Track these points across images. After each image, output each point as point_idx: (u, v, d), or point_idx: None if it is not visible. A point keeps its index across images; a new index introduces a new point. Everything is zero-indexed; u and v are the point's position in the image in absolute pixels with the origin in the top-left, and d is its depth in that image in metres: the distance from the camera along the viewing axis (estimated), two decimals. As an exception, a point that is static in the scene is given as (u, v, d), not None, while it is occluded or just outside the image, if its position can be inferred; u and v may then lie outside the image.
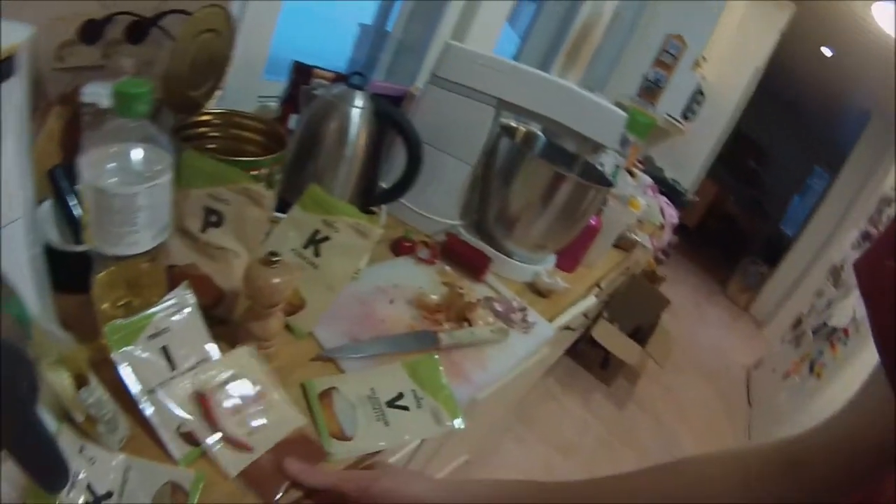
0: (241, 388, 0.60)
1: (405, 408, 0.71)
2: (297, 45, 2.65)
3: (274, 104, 1.15)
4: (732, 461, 0.48)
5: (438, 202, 1.18)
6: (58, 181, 0.68)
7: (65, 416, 0.50)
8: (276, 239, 0.76)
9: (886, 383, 0.38)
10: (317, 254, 0.75)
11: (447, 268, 1.07)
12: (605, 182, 1.22)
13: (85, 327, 0.60)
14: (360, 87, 0.94)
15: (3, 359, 0.35)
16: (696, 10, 3.07)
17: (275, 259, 0.62)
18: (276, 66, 1.20)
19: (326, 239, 0.76)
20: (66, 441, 0.49)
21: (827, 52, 4.15)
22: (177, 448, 0.54)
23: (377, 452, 0.66)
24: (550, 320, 1.13)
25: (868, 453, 0.42)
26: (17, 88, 0.46)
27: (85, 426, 0.49)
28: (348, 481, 0.55)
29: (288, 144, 0.82)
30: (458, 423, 0.73)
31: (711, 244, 7.49)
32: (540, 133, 1.29)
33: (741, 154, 7.70)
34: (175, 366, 0.58)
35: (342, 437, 0.64)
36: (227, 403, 0.58)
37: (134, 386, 0.54)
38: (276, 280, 0.61)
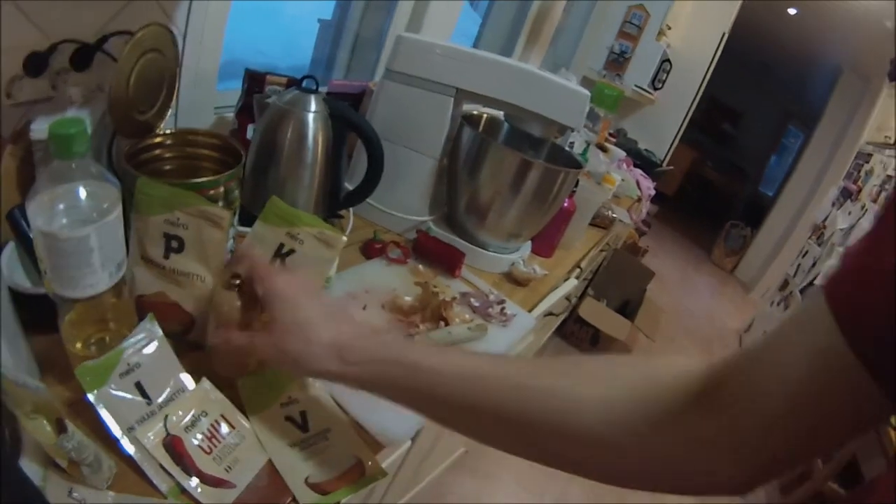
0: (211, 425, 0.60)
1: None
2: (259, 45, 2.61)
3: (231, 115, 1.14)
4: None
5: (406, 199, 1.17)
6: (18, 222, 0.67)
7: (49, 463, 0.50)
8: (243, 257, 0.76)
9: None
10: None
11: (420, 266, 1.07)
12: (574, 164, 1.21)
13: (60, 367, 0.59)
14: (313, 91, 0.93)
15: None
16: (656, -21, 3.06)
17: (237, 282, 0.61)
18: (238, 71, 1.16)
19: (292, 252, 0.75)
20: (54, 486, 0.49)
21: (792, 10, 4.16)
22: (163, 481, 0.54)
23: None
24: (531, 309, 1.14)
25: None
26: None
27: (70, 470, 0.49)
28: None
29: (244, 158, 0.81)
30: None
31: (692, 210, 7.55)
32: (503, 119, 1.28)
33: (715, 118, 7.76)
34: (150, 400, 0.58)
35: None
36: (201, 443, 0.58)
37: (113, 426, 0.54)
38: (240, 303, 0.61)
